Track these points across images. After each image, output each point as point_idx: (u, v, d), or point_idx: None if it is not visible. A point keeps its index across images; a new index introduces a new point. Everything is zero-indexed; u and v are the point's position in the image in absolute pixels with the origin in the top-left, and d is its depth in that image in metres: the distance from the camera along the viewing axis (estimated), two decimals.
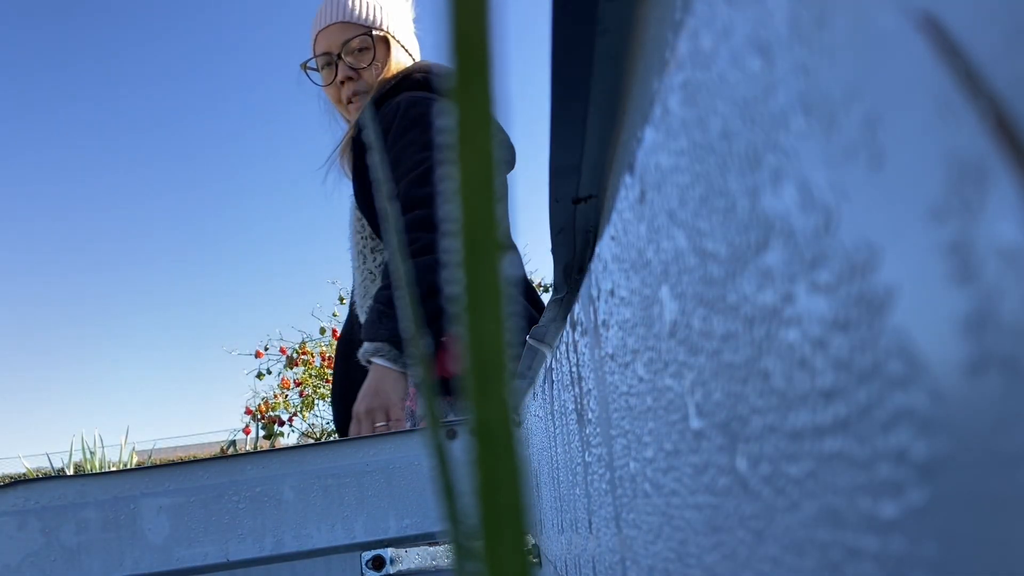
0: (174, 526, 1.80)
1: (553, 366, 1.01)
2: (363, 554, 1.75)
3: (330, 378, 4.91)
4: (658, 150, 0.40)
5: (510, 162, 2.07)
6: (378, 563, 1.72)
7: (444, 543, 1.68)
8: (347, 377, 2.03)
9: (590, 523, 0.75)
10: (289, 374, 4.98)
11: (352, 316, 2.09)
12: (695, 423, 0.36)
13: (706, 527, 0.36)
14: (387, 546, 1.77)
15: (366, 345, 1.87)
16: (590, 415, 0.70)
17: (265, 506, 1.83)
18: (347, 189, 2.13)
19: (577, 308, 0.75)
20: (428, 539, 1.78)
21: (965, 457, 0.17)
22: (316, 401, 5.00)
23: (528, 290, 2.24)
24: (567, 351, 0.84)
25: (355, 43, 1.97)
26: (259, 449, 4.09)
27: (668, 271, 0.39)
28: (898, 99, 0.18)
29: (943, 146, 0.16)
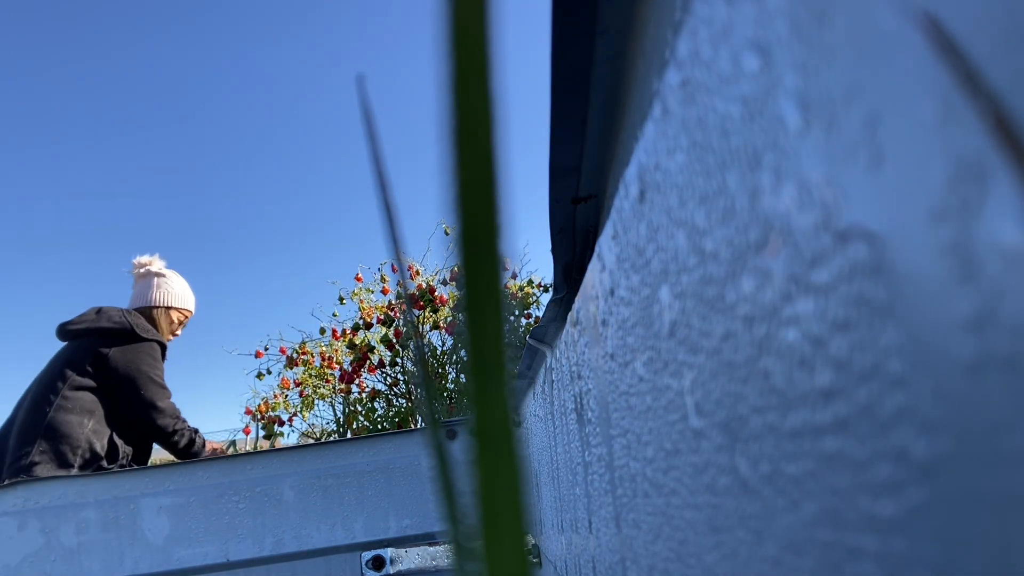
0: (174, 526, 1.80)
1: (553, 366, 1.01)
2: (363, 554, 1.75)
3: (329, 378, 4.92)
4: (658, 150, 0.40)
5: None
6: (378, 563, 1.72)
7: (444, 543, 1.69)
8: None
9: (590, 523, 0.75)
10: (289, 374, 4.97)
11: None
12: (695, 422, 0.36)
13: (706, 527, 0.36)
14: (387, 546, 1.77)
15: None
16: (590, 415, 0.70)
17: (265, 506, 1.83)
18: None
19: (577, 308, 0.75)
20: (428, 539, 1.78)
21: (965, 457, 0.17)
22: (316, 401, 4.99)
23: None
24: (567, 351, 0.84)
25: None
26: (259, 449, 4.10)
27: (668, 270, 0.39)
28: (898, 99, 0.18)
29: (943, 146, 0.16)
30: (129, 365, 2.58)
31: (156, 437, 2.66)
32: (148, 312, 2.80)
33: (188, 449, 2.69)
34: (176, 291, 2.88)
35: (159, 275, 2.88)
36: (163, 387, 2.63)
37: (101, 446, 2.50)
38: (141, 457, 2.68)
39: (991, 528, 0.16)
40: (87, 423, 2.50)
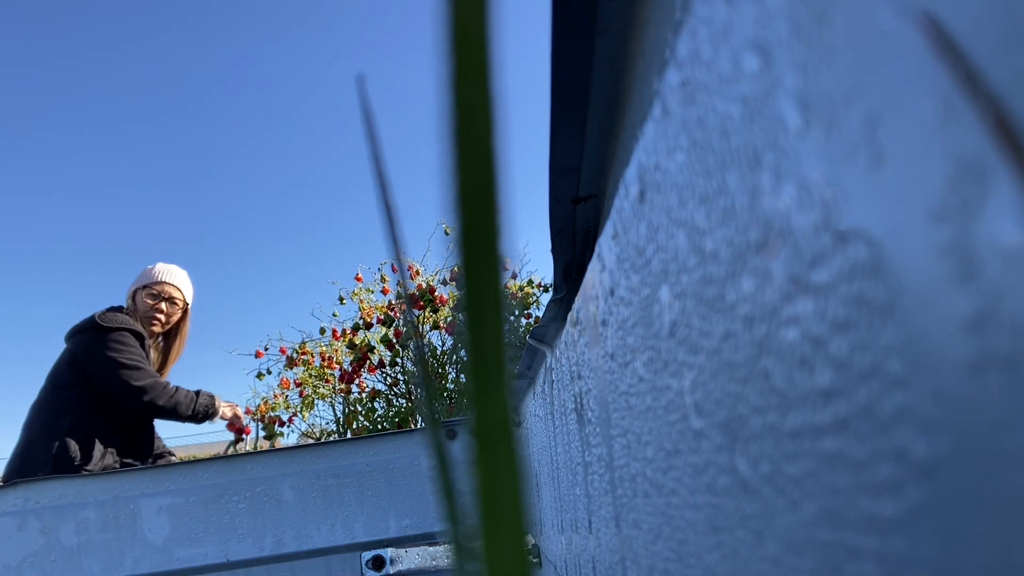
0: (174, 526, 1.80)
1: (553, 366, 1.01)
2: (363, 554, 1.75)
3: (329, 378, 4.92)
4: (658, 150, 0.40)
5: None
6: (378, 563, 1.72)
7: (444, 543, 1.69)
8: None
9: (590, 523, 0.75)
10: (289, 374, 4.97)
11: None
12: (695, 422, 0.36)
13: (706, 527, 0.36)
14: (387, 546, 1.77)
15: None
16: (590, 415, 0.70)
17: (265, 506, 1.83)
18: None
19: (577, 308, 0.75)
20: (428, 539, 1.79)
21: (965, 457, 0.17)
22: (316, 401, 4.99)
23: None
24: (567, 351, 0.84)
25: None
26: (259, 449, 4.09)
27: (668, 270, 0.39)
28: (898, 99, 0.18)
29: (943, 146, 0.16)
30: (96, 356, 2.58)
31: (157, 415, 2.63)
32: (127, 304, 2.81)
33: (201, 413, 2.66)
34: (144, 271, 2.86)
35: None
36: (138, 368, 2.59)
37: (76, 446, 2.49)
38: (138, 452, 2.65)
39: (991, 528, 0.16)
40: (62, 424, 2.50)
